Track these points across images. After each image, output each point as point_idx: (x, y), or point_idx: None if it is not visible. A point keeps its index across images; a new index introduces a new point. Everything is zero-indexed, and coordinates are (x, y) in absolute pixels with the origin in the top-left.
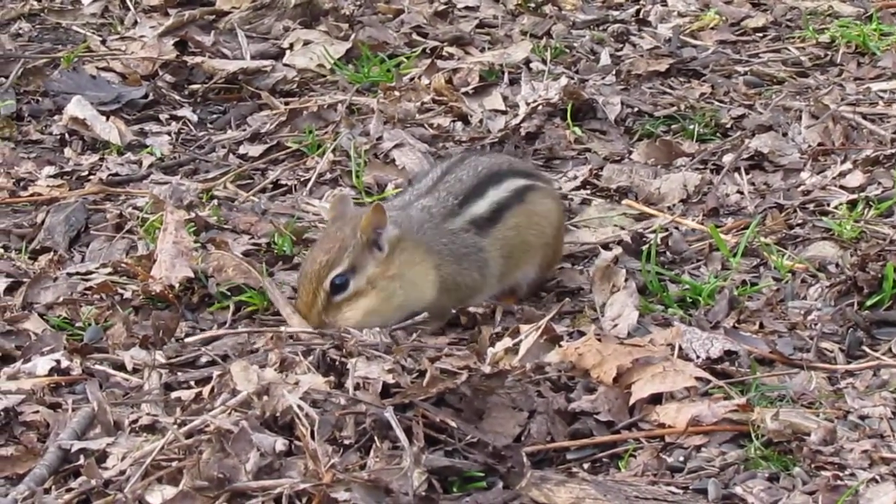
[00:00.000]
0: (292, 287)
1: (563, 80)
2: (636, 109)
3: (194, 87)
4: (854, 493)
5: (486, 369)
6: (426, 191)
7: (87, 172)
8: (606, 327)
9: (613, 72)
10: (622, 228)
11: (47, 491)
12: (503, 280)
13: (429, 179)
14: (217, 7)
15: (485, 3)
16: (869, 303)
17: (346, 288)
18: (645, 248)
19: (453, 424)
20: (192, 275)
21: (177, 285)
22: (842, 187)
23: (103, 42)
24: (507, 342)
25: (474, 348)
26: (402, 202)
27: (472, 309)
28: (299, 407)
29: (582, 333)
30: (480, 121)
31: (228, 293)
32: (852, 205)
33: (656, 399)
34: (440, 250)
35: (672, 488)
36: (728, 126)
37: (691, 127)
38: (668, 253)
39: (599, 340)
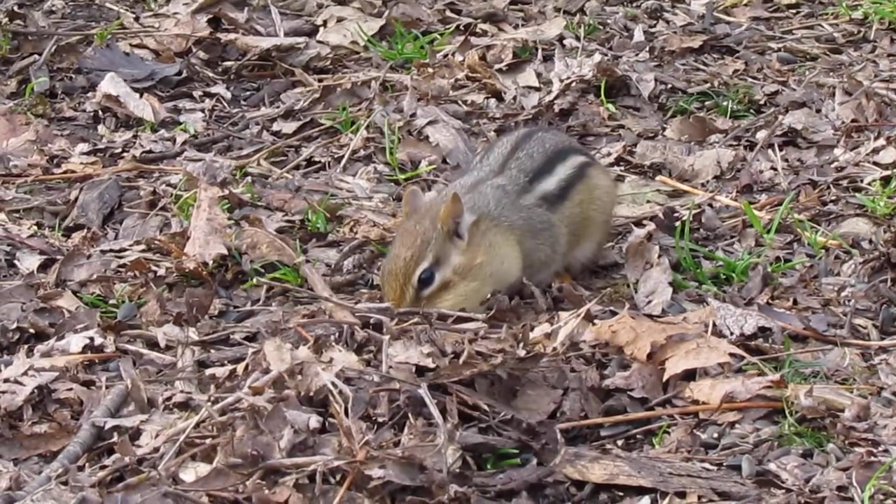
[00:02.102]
0: (326, 264)
1: (597, 57)
2: (670, 86)
3: (228, 64)
4: (888, 469)
5: (521, 353)
6: (498, 168)
7: (120, 150)
8: (640, 304)
9: (647, 48)
10: (657, 204)
11: (81, 468)
12: (566, 257)
13: (497, 156)
14: None
15: None
16: None
17: (432, 282)
18: (678, 224)
19: (486, 407)
20: (225, 252)
21: (210, 262)
22: (875, 164)
23: (137, 19)
24: (545, 327)
25: (511, 332)
26: (472, 181)
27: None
28: (333, 384)
29: (615, 312)
30: (514, 98)
31: (262, 270)
32: (886, 181)
33: (690, 375)
34: (520, 225)
35: (706, 465)
36: (761, 102)
37: (725, 103)
38: (701, 230)
39: (633, 318)
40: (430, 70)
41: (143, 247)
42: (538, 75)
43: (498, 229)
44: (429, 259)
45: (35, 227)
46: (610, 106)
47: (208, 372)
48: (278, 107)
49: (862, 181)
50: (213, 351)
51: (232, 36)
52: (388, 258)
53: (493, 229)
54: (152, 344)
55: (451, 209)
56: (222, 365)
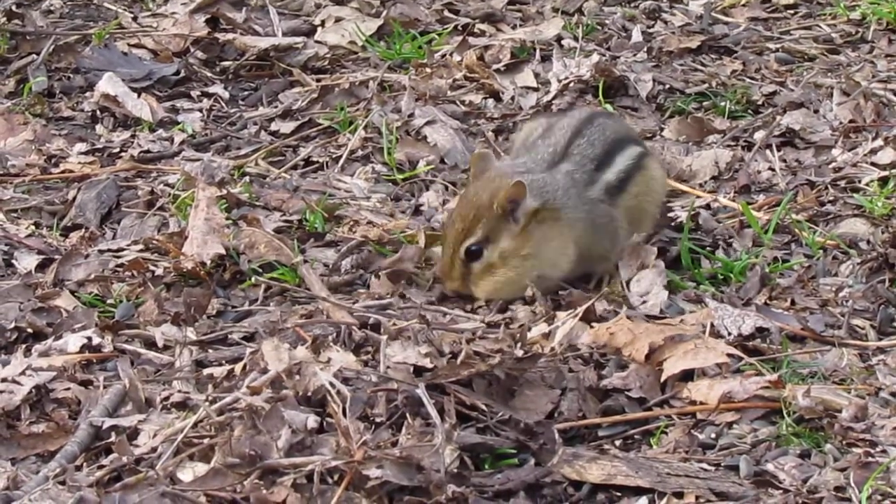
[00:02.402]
0: (324, 264)
1: (595, 57)
2: (667, 86)
3: (226, 63)
4: (885, 470)
5: (519, 353)
6: (561, 151)
7: (118, 149)
8: (635, 303)
9: (645, 49)
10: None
11: (79, 468)
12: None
13: (560, 138)
14: None
15: None
16: None
17: (480, 256)
18: (674, 224)
19: (483, 407)
20: (223, 252)
21: (208, 262)
22: (873, 164)
23: (135, 19)
24: (543, 327)
25: (509, 332)
26: (541, 162)
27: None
28: (331, 384)
29: (615, 313)
30: (512, 98)
31: (260, 270)
32: (883, 182)
33: (688, 376)
34: (581, 219)
35: (704, 465)
36: (759, 103)
37: (723, 104)
38: (699, 231)
39: (631, 320)
40: (428, 70)
41: (140, 246)
42: (536, 75)
43: (556, 223)
44: (478, 235)
45: (33, 227)
46: (608, 106)
47: (206, 372)
48: (276, 107)
49: (860, 182)
50: (210, 351)
51: (230, 36)
52: (446, 222)
53: (550, 222)
54: (150, 344)
55: (512, 193)
56: (220, 365)
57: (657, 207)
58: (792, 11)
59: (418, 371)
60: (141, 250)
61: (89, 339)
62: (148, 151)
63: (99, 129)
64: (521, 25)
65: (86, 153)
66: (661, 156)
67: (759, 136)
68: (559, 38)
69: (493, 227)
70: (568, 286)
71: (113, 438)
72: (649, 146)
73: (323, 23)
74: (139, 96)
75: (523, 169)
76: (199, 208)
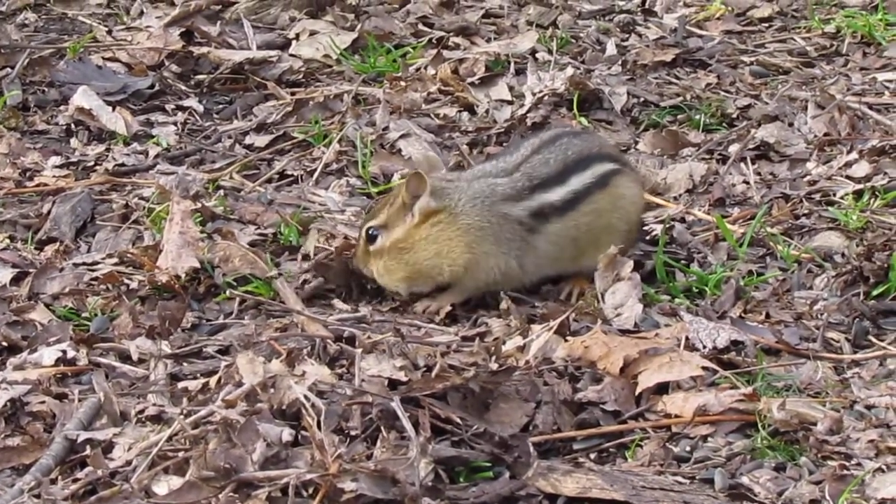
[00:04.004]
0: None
1: (570, 71)
2: (642, 99)
3: (200, 77)
4: (860, 483)
5: (494, 366)
6: (511, 168)
7: (93, 163)
8: (609, 316)
9: (619, 62)
10: None
11: (54, 481)
12: (579, 262)
13: (518, 156)
14: None
15: None
16: (875, 292)
17: (376, 240)
18: (649, 237)
19: (458, 420)
20: (198, 265)
21: (183, 275)
22: (848, 177)
23: (109, 32)
24: (517, 340)
25: (484, 345)
26: (477, 173)
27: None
28: (306, 397)
29: (589, 328)
30: (486, 111)
31: (234, 283)
32: (858, 195)
33: (663, 389)
34: (480, 227)
35: (678, 478)
36: (734, 116)
37: (697, 117)
38: (674, 244)
39: (605, 333)
40: (403, 83)
41: (115, 260)
42: (511, 88)
43: (448, 227)
44: (379, 219)
45: (7, 240)
46: (583, 119)
47: (181, 385)
48: (251, 120)
49: (835, 195)
50: (185, 364)
51: (204, 49)
52: None
53: (443, 225)
54: (125, 357)
55: (411, 185)
56: (195, 378)
57: (628, 224)
58: (766, 25)
59: (393, 384)
60: (116, 263)
61: (64, 352)
62: (122, 165)
63: (73, 142)
64: (495, 39)
65: (60, 166)
66: (638, 171)
67: (733, 149)
68: (533, 52)
69: (394, 215)
70: (539, 301)
71: (88, 452)
72: (626, 162)
73: (297, 36)
74: (114, 110)
75: (452, 177)
76: (173, 221)
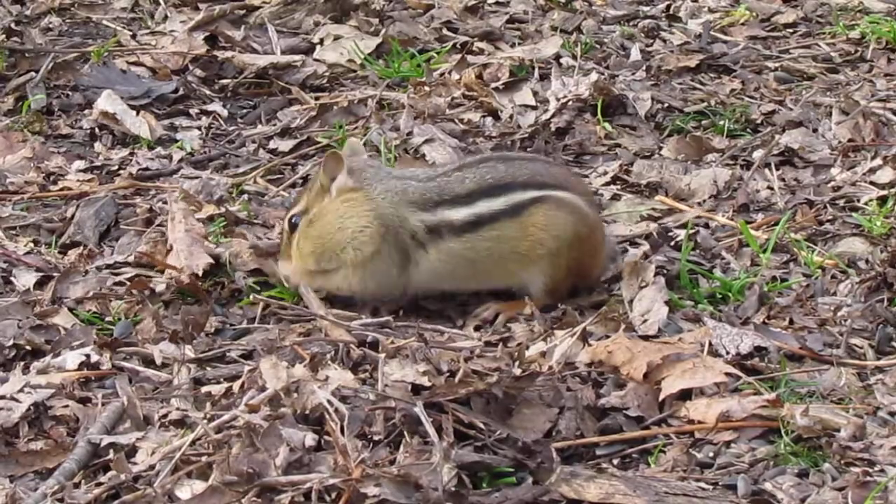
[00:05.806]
0: None
1: (594, 76)
2: (666, 105)
3: (224, 81)
4: (883, 490)
5: (517, 372)
6: (429, 177)
7: (116, 167)
8: (636, 322)
9: (644, 67)
10: (654, 220)
11: (77, 485)
12: (480, 282)
13: (443, 169)
14: (247, 2)
15: None
16: None
17: (297, 228)
18: (673, 243)
19: (481, 426)
20: (211, 260)
21: (200, 272)
22: (872, 183)
23: (133, 37)
24: (540, 346)
25: (507, 350)
26: (404, 171)
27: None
28: (329, 402)
29: (607, 336)
30: (510, 116)
31: (258, 288)
32: (882, 201)
33: (686, 395)
34: (387, 216)
35: (701, 484)
36: (758, 122)
37: (721, 123)
38: (697, 250)
39: (628, 339)
40: (427, 88)
41: (133, 263)
42: (535, 94)
43: (361, 206)
44: (301, 205)
45: (31, 244)
46: (606, 125)
47: (204, 389)
48: (275, 124)
49: (858, 201)
50: (209, 368)
51: (229, 54)
52: None
53: (354, 202)
54: (148, 361)
55: (328, 166)
56: (218, 382)
57: (552, 252)
58: (791, 30)
59: (416, 389)
60: (136, 265)
61: (88, 356)
62: (146, 169)
63: (97, 146)
64: (519, 44)
65: (84, 171)
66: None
67: (757, 154)
68: (558, 57)
69: (313, 199)
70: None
71: (111, 456)
72: (568, 189)
73: (322, 41)
74: (138, 114)
75: (374, 164)
76: (175, 220)
